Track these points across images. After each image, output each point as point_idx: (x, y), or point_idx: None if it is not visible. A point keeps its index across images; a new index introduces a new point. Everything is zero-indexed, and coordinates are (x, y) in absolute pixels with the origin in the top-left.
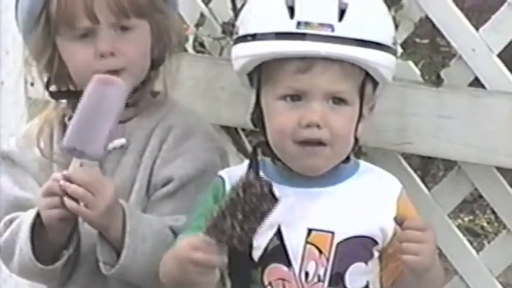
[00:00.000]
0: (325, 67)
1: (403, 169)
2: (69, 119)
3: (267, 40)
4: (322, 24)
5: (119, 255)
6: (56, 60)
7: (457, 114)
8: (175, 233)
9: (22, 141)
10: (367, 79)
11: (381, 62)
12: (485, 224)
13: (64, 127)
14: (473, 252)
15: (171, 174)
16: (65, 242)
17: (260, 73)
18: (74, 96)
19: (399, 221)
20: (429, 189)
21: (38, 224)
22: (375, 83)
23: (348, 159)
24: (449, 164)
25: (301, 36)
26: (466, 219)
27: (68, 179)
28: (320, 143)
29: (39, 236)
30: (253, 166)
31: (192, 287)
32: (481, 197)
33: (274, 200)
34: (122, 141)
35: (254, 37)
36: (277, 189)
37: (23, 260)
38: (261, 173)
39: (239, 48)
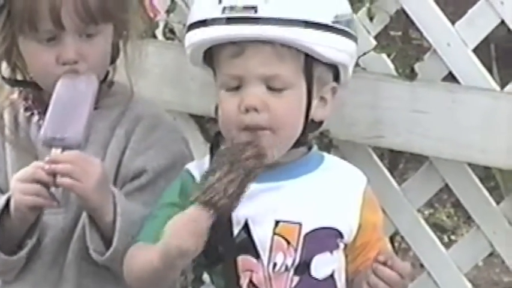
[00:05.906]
0: (257, 50)
1: (373, 163)
2: (25, 109)
3: (196, 29)
4: (246, 7)
5: (106, 243)
6: (14, 52)
7: (431, 108)
8: None
9: None
10: (314, 60)
11: (313, 40)
12: (444, 218)
13: (16, 118)
14: (442, 248)
15: (144, 166)
16: (27, 233)
17: (212, 63)
18: (29, 86)
19: (383, 260)
20: (398, 184)
21: (5, 213)
22: (335, 67)
23: (303, 143)
24: (417, 159)
25: (226, 21)
26: (426, 212)
27: (53, 162)
28: (261, 127)
29: (2, 226)
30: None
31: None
32: (441, 190)
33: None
34: None
35: (189, 27)
36: None
37: None
38: None
39: (185, 38)
